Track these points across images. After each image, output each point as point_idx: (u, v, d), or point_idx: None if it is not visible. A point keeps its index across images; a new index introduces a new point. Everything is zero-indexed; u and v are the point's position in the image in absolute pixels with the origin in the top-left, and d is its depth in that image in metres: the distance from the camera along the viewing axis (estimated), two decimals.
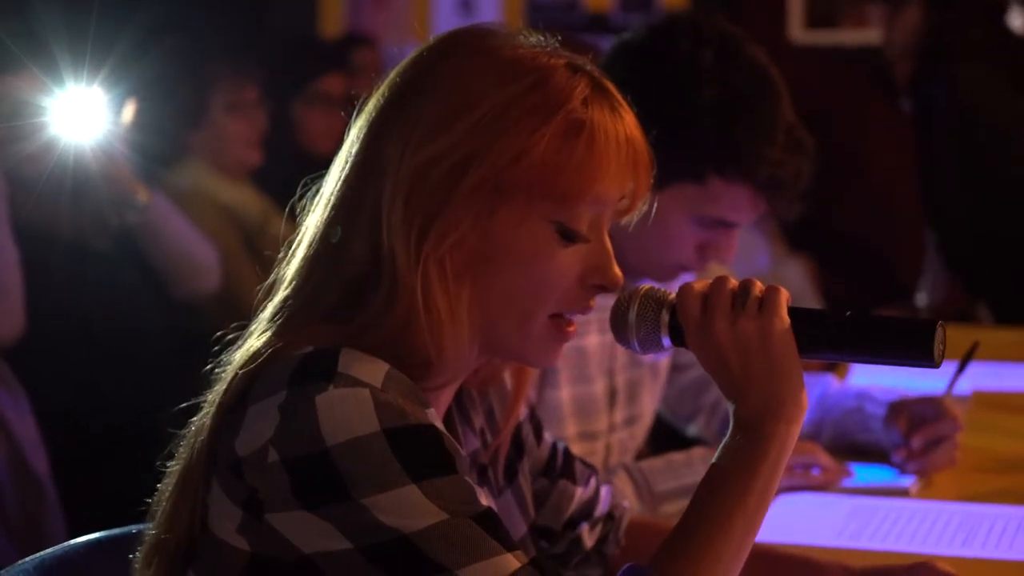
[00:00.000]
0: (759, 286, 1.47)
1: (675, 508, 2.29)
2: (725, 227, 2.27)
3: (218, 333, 1.54)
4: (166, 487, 1.48)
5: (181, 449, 1.47)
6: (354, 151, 1.48)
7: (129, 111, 3.49)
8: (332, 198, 1.48)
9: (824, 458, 2.40)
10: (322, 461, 1.32)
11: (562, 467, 1.78)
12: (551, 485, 1.77)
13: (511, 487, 1.69)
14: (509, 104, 1.42)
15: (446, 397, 1.54)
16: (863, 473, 2.45)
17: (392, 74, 1.50)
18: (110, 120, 3.27)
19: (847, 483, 2.41)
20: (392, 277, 1.41)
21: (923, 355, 1.43)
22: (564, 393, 2.39)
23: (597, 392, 2.45)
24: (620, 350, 2.48)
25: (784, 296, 1.46)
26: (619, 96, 1.50)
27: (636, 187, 1.49)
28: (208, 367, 1.50)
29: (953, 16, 4.88)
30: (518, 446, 1.71)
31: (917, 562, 1.69)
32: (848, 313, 1.47)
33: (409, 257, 1.41)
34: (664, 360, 2.62)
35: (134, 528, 1.68)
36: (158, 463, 1.51)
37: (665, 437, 2.84)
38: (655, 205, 2.23)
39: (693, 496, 1.46)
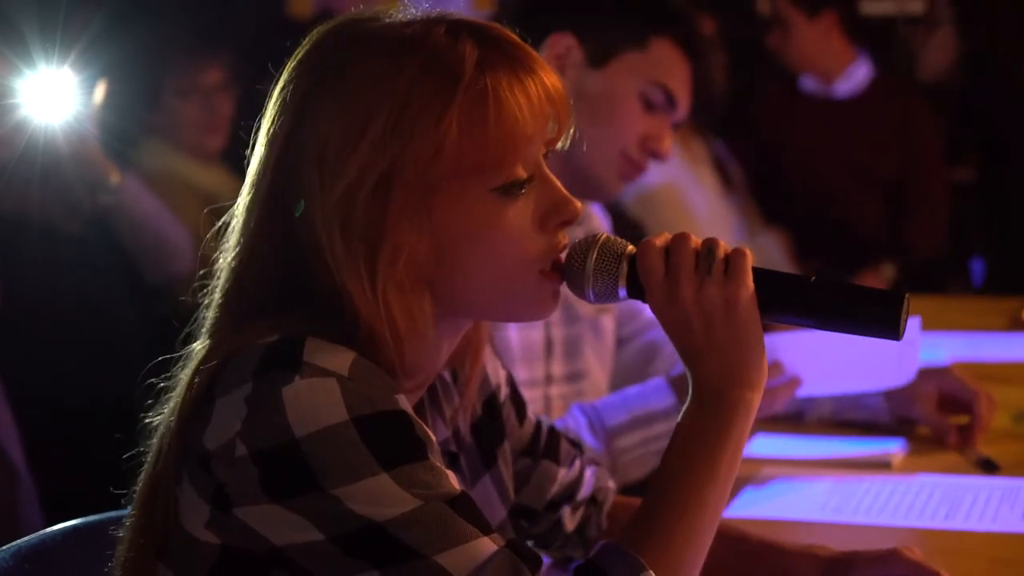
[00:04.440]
0: (723, 247, 1.45)
1: (628, 442, 2.29)
2: (665, 109, 2.42)
3: (192, 316, 1.52)
4: (139, 481, 1.45)
5: (152, 444, 1.44)
6: (267, 169, 1.44)
7: (100, 92, 3.46)
8: (254, 211, 1.45)
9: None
10: (291, 453, 1.30)
11: (546, 447, 1.76)
12: (534, 465, 1.75)
13: (490, 472, 1.66)
14: (404, 102, 1.37)
15: (417, 392, 1.51)
16: (847, 447, 2.45)
17: (287, 77, 1.45)
18: (81, 102, 3.24)
19: (829, 457, 2.41)
20: (351, 307, 1.38)
21: (889, 326, 1.42)
22: (512, 334, 2.39)
23: (536, 339, 2.47)
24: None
25: (749, 260, 1.44)
26: (509, 36, 1.45)
27: (558, 115, 1.45)
28: (182, 351, 1.48)
29: (989, 25, 4.97)
30: (498, 429, 1.69)
31: (885, 550, 1.68)
32: (812, 278, 1.46)
33: (364, 292, 1.37)
34: (607, 322, 2.62)
35: (111, 515, 1.66)
36: (134, 449, 1.48)
37: None
38: (602, 87, 2.41)
39: (660, 466, 1.45)
